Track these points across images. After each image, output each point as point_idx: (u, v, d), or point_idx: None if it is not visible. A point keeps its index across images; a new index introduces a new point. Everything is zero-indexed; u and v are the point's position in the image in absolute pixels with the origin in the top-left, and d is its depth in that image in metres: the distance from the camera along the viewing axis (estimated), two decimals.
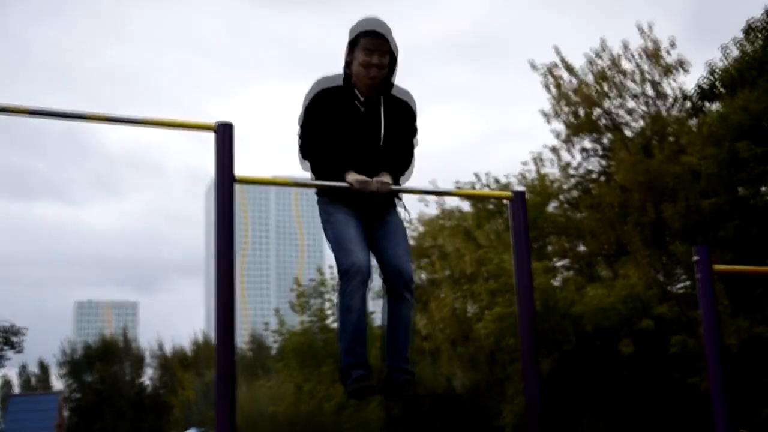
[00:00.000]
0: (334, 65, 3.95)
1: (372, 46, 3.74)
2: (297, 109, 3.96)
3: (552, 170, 20.31)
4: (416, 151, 4.06)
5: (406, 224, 4.07)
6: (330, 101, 3.83)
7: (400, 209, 4.09)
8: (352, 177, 3.76)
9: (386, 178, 3.83)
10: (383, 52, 3.76)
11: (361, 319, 3.81)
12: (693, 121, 16.32)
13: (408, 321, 3.93)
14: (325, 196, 3.97)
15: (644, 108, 19.01)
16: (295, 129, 3.96)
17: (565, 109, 19.20)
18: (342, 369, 3.86)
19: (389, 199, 3.99)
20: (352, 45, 3.83)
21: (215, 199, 3.67)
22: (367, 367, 3.82)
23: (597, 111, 19.09)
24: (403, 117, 3.94)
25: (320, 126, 3.83)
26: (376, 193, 3.81)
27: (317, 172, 3.88)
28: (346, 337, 3.84)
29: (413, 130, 4.01)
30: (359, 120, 3.85)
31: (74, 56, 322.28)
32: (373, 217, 3.96)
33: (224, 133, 3.70)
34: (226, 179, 3.66)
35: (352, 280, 3.76)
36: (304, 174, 4.00)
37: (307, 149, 3.88)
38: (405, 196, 4.18)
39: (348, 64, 3.86)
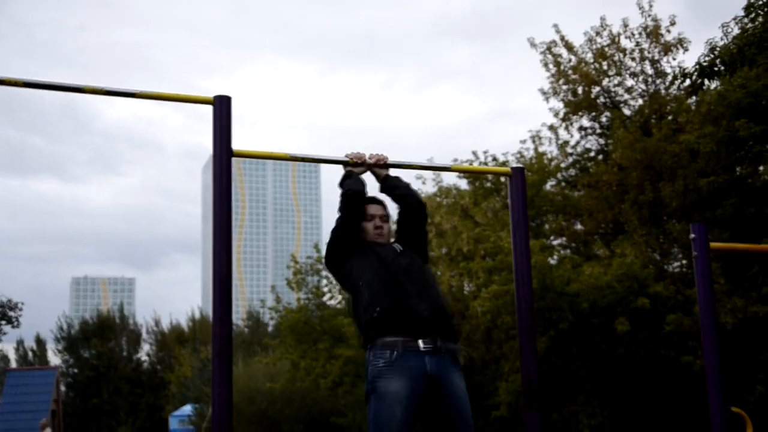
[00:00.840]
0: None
1: (375, 211, 4.33)
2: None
3: (550, 149, 20.32)
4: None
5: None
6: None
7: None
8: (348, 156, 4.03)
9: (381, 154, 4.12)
10: (383, 217, 4.36)
11: None
12: (692, 100, 16.25)
13: None
14: (387, 350, 3.81)
15: (643, 86, 18.96)
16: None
17: (564, 87, 19.15)
18: None
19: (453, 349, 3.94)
20: None
21: (213, 172, 3.66)
22: None
23: (596, 89, 19.04)
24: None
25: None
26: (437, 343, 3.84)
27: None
28: None
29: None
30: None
31: (73, 34, 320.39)
32: (434, 373, 3.79)
33: (222, 106, 3.69)
34: (223, 152, 3.65)
35: None
36: (300, 151, 4.08)
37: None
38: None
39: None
